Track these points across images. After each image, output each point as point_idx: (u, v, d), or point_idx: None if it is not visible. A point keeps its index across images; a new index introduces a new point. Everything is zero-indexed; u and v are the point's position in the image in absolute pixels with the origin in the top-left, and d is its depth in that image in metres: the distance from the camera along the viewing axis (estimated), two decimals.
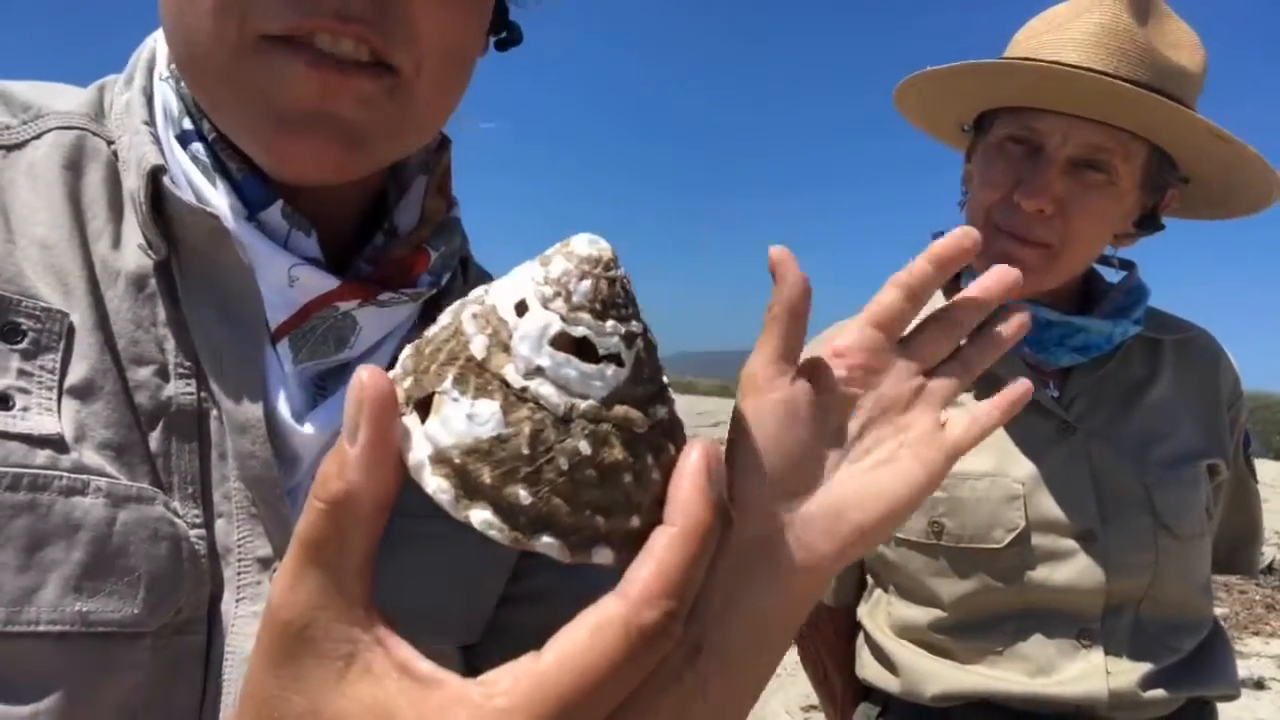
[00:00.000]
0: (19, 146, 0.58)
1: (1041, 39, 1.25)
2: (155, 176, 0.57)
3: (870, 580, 1.39)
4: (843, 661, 1.43)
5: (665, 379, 0.36)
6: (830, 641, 1.46)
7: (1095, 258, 1.31)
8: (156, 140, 0.58)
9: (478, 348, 0.33)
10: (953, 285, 1.37)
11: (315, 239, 0.59)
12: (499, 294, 0.34)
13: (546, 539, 0.32)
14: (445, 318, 0.36)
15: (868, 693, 1.38)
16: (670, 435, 0.35)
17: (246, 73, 0.53)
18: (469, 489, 0.32)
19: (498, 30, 0.67)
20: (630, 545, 0.33)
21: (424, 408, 0.33)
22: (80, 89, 0.63)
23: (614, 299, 0.34)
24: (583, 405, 0.32)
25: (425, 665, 0.32)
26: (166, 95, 0.60)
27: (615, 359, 0.33)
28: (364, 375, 0.33)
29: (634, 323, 0.34)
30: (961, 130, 1.40)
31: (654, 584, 0.31)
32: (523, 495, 0.32)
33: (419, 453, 0.33)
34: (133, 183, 0.57)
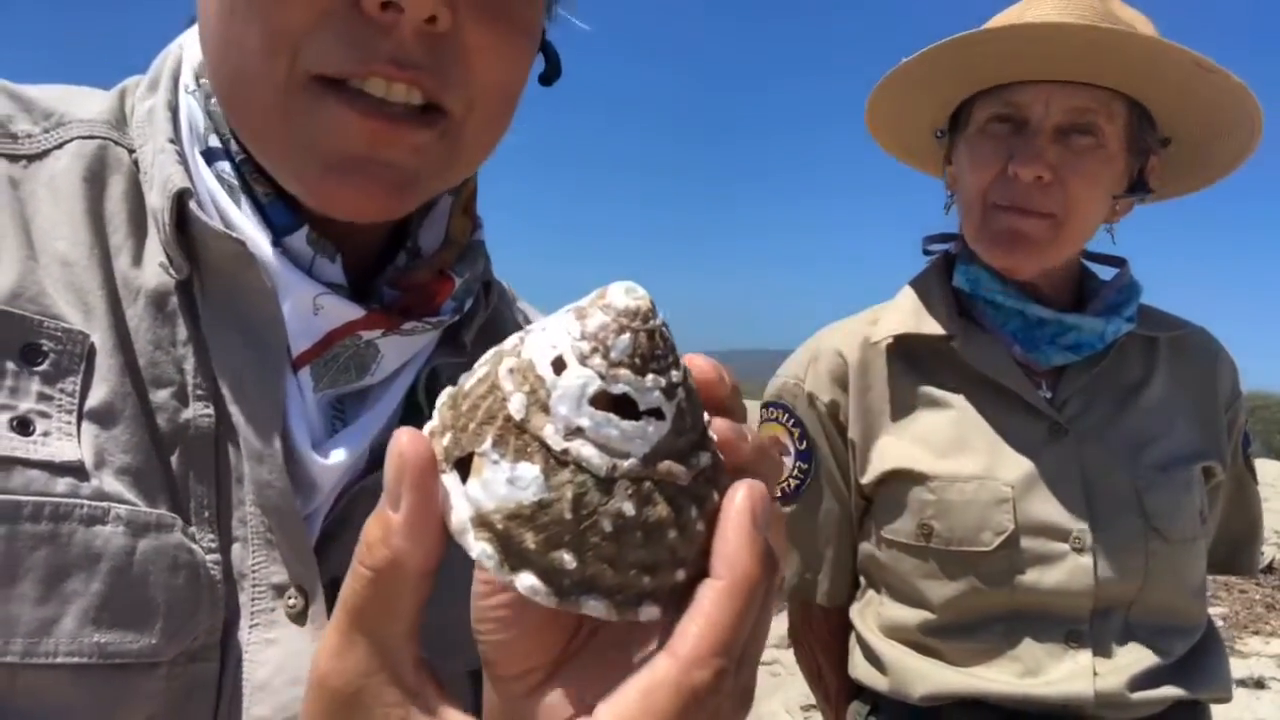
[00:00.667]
0: (40, 157, 0.57)
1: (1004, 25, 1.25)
2: (181, 199, 0.56)
3: (863, 580, 1.38)
4: (837, 660, 1.42)
5: (706, 418, 0.35)
6: (824, 640, 1.45)
7: (1096, 227, 1.31)
8: (182, 159, 0.57)
9: (516, 407, 0.32)
10: (943, 287, 1.36)
11: (340, 264, 0.59)
12: (535, 348, 0.33)
13: (593, 602, 0.32)
14: (481, 368, 0.35)
15: (860, 691, 1.37)
16: (714, 481, 0.34)
17: (294, 114, 0.53)
18: (513, 554, 0.32)
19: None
20: (677, 599, 0.33)
21: (463, 466, 0.33)
22: (103, 93, 0.62)
23: (653, 351, 0.32)
24: (625, 465, 0.32)
25: None
26: (192, 109, 0.59)
27: (656, 413, 0.32)
28: (404, 440, 0.32)
29: (674, 372, 0.33)
30: (936, 136, 1.40)
31: (704, 643, 0.31)
32: (567, 560, 0.31)
33: (460, 514, 0.32)
34: (156, 201, 0.56)
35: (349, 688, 0.32)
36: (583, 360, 0.32)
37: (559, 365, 0.32)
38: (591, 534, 0.31)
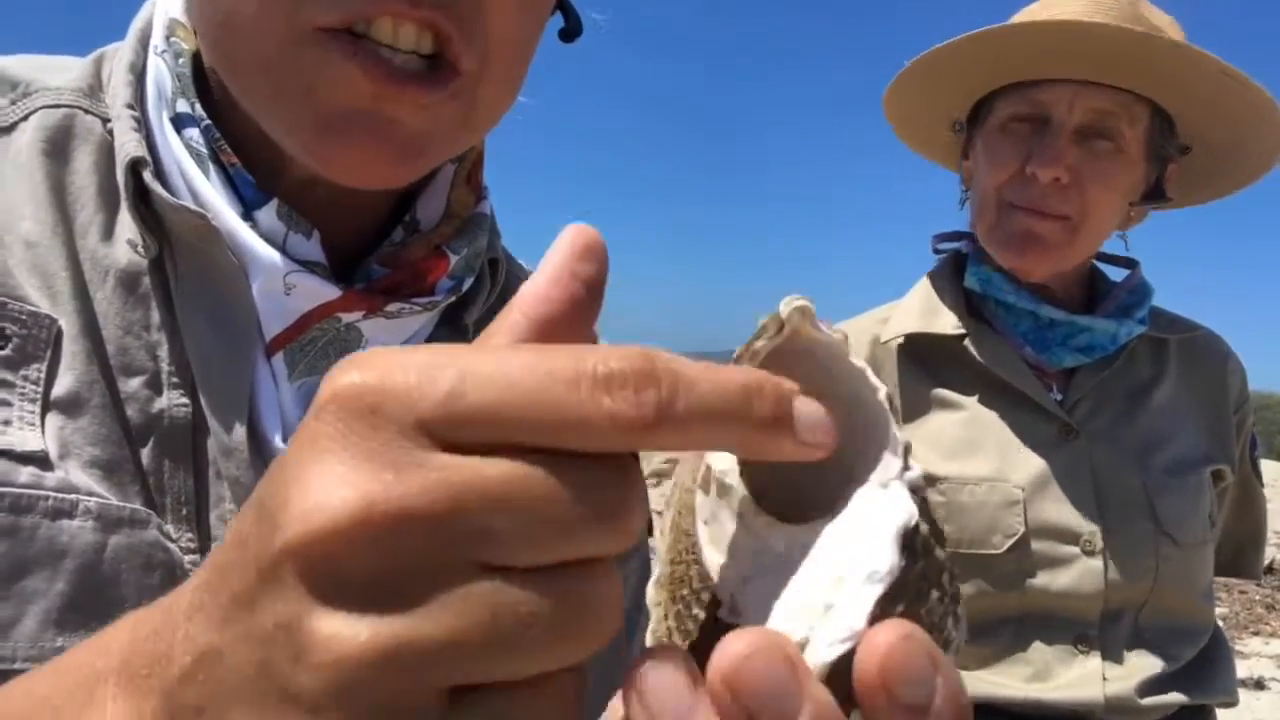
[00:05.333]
0: (7, 131, 0.53)
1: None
2: (135, 169, 0.52)
3: None
4: None
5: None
6: None
7: (1110, 233, 1.31)
8: (140, 126, 0.53)
9: None
10: (954, 287, 1.36)
11: (317, 240, 0.54)
12: None
13: None
14: None
15: None
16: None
17: (291, 66, 0.48)
18: None
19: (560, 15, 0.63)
20: None
21: None
22: (79, 60, 0.58)
23: None
24: None
25: None
26: (160, 72, 0.54)
27: None
28: None
29: None
30: (954, 130, 1.39)
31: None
32: None
33: None
34: (120, 174, 0.52)
35: None
36: None
37: None
38: None
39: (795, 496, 0.30)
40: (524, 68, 0.55)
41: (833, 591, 0.27)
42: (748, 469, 0.30)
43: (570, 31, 0.63)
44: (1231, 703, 1.27)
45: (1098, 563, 1.20)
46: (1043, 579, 1.20)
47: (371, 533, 0.23)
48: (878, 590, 0.26)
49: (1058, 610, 1.21)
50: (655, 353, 0.25)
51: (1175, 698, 1.21)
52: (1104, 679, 1.19)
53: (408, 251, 0.57)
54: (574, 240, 0.28)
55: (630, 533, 0.25)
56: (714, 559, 0.30)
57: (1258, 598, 5.90)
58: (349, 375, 0.25)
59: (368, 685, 0.23)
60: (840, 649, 0.25)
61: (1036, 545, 1.21)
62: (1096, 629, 1.21)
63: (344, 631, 0.23)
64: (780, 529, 0.30)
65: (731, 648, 0.24)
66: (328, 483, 0.23)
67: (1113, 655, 1.21)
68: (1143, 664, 1.21)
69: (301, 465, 0.24)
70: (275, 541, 0.24)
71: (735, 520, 0.30)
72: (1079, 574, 1.20)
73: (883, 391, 0.29)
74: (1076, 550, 1.21)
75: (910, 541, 0.27)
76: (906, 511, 0.28)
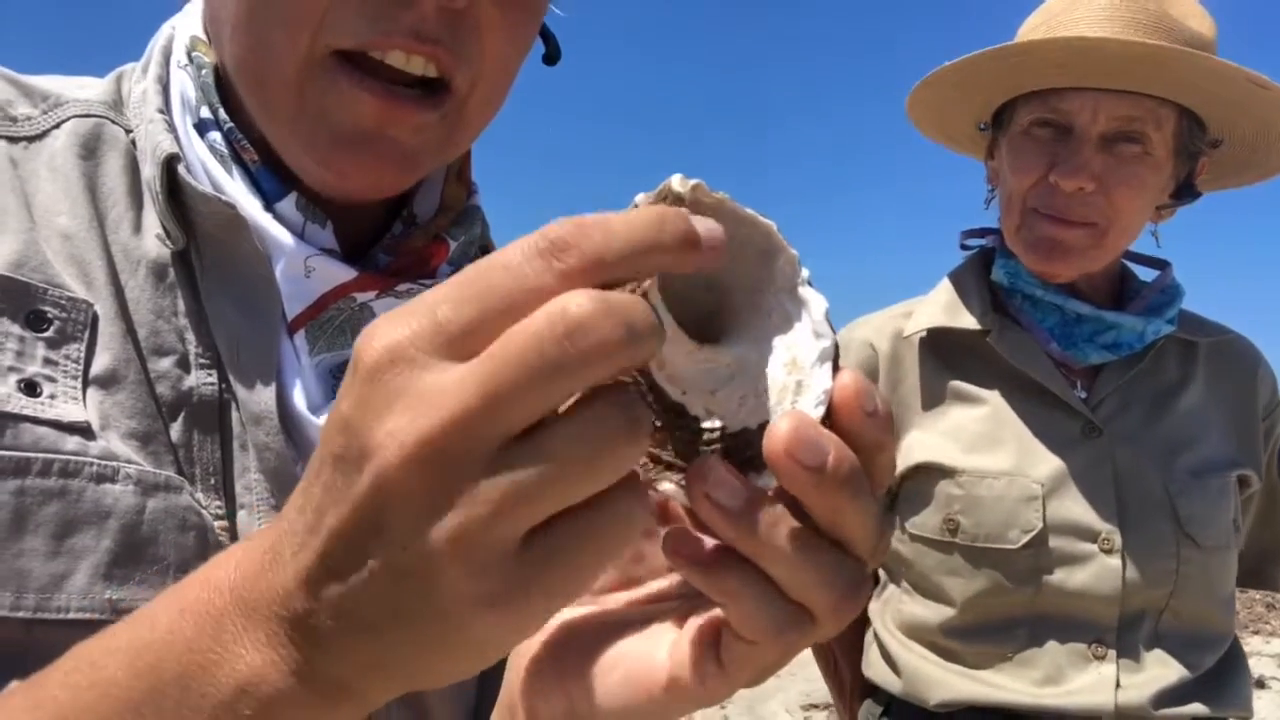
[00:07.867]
0: (40, 137, 0.59)
1: (1051, 25, 1.22)
2: (170, 165, 0.57)
3: (883, 575, 1.35)
4: (853, 653, 1.40)
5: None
6: (842, 634, 1.42)
7: (1138, 233, 1.28)
8: (171, 128, 0.59)
9: None
10: (980, 282, 1.32)
11: (331, 230, 0.60)
12: None
13: None
14: None
15: (873, 690, 1.35)
16: None
17: (310, 88, 0.55)
18: None
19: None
20: None
21: None
22: (100, 79, 0.64)
23: None
24: None
25: None
26: (184, 83, 0.61)
27: None
28: None
29: None
30: (979, 129, 1.37)
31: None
32: None
33: None
34: (149, 171, 0.58)
35: None
36: None
37: None
38: None
39: (705, 327, 0.39)
40: (508, 86, 0.62)
41: (795, 373, 0.36)
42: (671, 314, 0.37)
43: (550, 56, 0.70)
44: (1247, 717, 1.25)
45: (1115, 562, 1.18)
46: (1059, 576, 1.18)
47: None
48: (829, 359, 0.36)
49: (1074, 611, 1.19)
50: (581, 219, 0.32)
51: (1190, 709, 1.18)
52: (1118, 686, 1.17)
53: (410, 241, 0.64)
54: None
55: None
56: (674, 391, 0.37)
57: (1258, 596, 5.91)
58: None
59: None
60: (822, 409, 0.35)
61: (1054, 542, 1.19)
62: (1114, 633, 1.19)
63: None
64: (724, 349, 0.38)
65: (783, 428, 0.33)
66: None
67: (1129, 662, 1.18)
68: (1160, 673, 1.18)
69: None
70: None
71: (680, 358, 0.37)
72: (1096, 573, 1.18)
73: (774, 226, 0.37)
74: (1094, 548, 1.19)
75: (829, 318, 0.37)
76: (823, 299, 0.37)
